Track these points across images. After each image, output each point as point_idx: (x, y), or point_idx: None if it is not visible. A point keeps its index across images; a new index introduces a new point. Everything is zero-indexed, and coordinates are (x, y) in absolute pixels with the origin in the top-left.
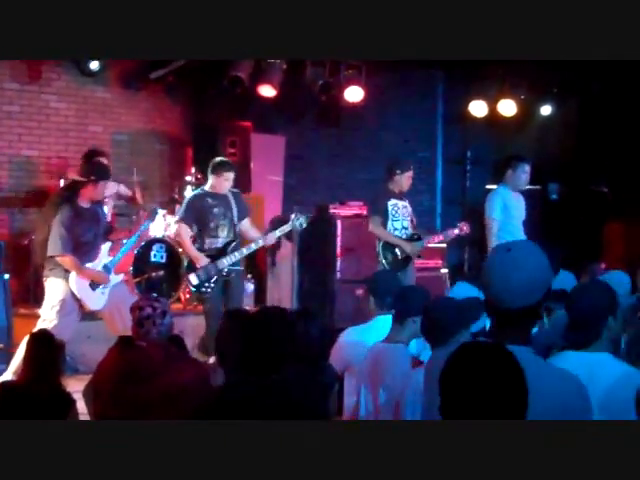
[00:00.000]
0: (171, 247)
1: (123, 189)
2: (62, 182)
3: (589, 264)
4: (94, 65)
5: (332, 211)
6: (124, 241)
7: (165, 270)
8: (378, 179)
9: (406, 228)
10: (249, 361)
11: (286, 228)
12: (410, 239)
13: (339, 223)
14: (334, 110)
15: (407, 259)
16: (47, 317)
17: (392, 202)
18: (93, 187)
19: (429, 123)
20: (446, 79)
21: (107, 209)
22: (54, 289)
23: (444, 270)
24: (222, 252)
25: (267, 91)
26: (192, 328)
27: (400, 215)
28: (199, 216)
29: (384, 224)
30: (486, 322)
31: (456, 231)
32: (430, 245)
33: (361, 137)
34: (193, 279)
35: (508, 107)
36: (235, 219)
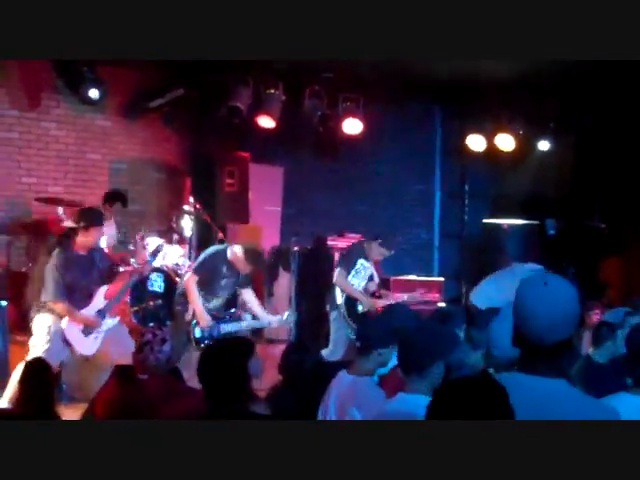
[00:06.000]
0: (168, 276)
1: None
2: (60, 210)
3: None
4: (93, 93)
5: (329, 242)
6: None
7: (162, 299)
8: (376, 211)
9: (362, 287)
10: (209, 391)
11: (286, 321)
12: (372, 296)
13: (336, 255)
14: (332, 142)
15: (365, 313)
16: (38, 343)
17: (361, 261)
18: (85, 233)
19: (427, 156)
20: (444, 112)
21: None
22: (42, 321)
23: (442, 304)
24: (219, 312)
25: (266, 122)
26: (188, 359)
27: (362, 274)
28: (209, 276)
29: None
30: (464, 354)
31: (416, 295)
32: (427, 279)
33: (359, 169)
34: (197, 332)
35: (506, 142)
36: (237, 287)
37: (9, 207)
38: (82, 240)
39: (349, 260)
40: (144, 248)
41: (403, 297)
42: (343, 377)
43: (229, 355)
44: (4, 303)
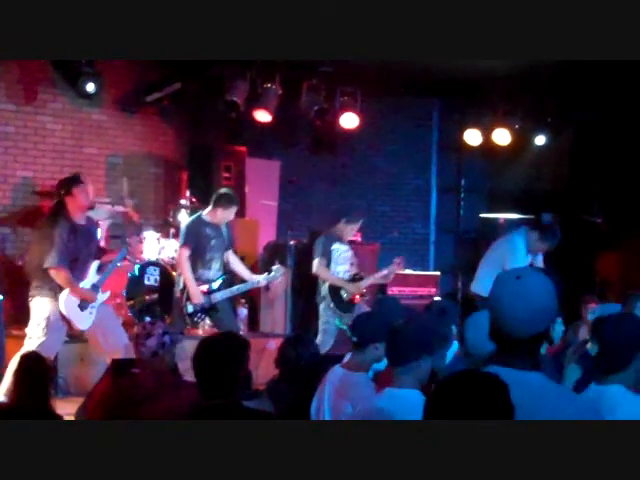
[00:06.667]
0: (165, 270)
1: (116, 208)
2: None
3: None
4: (90, 87)
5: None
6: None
7: (158, 293)
8: (372, 205)
9: (347, 271)
10: (200, 385)
11: (274, 276)
12: (352, 280)
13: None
14: (329, 136)
15: (352, 300)
16: (34, 335)
17: (336, 246)
18: (72, 199)
19: (424, 151)
20: (441, 107)
21: (101, 231)
22: (40, 307)
23: (437, 298)
24: (212, 283)
25: (262, 116)
26: (185, 352)
27: (342, 258)
28: (198, 243)
29: (328, 267)
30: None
31: (394, 267)
32: (423, 273)
33: (355, 163)
34: (189, 307)
35: (503, 136)
36: (225, 247)
37: (5, 200)
38: (73, 206)
39: (323, 249)
40: (140, 243)
41: (382, 272)
42: (337, 371)
43: (224, 349)
44: (0, 297)
